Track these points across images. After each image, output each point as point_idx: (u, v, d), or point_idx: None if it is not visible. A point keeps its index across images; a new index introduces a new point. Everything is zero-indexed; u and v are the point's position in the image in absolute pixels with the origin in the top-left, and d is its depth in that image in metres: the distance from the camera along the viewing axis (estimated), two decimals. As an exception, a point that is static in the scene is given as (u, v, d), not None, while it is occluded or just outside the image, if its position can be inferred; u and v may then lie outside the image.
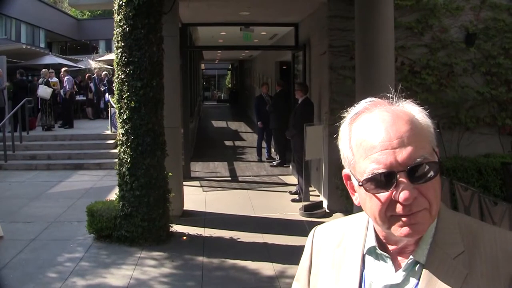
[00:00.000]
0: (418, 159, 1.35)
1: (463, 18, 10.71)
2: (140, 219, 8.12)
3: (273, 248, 8.07)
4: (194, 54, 20.79)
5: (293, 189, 11.59)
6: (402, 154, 1.35)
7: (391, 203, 1.37)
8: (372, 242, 1.52)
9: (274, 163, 15.26)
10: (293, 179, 12.92)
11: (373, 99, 1.50)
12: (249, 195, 11.59)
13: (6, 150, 15.50)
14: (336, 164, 9.42)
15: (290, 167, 14.23)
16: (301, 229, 8.39)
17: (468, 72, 10.74)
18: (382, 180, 1.36)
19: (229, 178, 13.74)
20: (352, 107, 1.52)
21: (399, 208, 1.36)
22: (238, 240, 8.55)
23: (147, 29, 8.03)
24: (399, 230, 1.37)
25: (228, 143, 21.51)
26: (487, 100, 10.77)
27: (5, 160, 15.42)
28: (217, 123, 30.17)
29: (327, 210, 10.07)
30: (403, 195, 1.33)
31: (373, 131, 1.39)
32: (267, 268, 7.22)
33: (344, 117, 1.52)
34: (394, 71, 8.48)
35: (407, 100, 1.50)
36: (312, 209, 9.91)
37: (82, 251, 8.03)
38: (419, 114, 1.46)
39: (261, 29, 14.67)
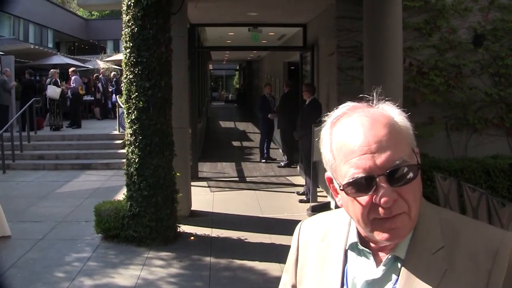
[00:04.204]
0: (397, 162, 1.36)
1: (471, 19, 10.68)
2: (148, 219, 8.14)
3: (280, 248, 8.03)
4: (202, 54, 20.81)
5: (301, 189, 11.59)
6: (381, 158, 1.36)
7: (372, 206, 1.38)
8: (353, 238, 1.54)
9: (282, 163, 15.26)
10: (300, 180, 12.92)
11: (352, 103, 1.51)
12: (256, 196, 11.59)
13: (14, 149, 15.52)
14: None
15: (298, 167, 14.22)
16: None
17: (476, 73, 10.71)
18: (362, 184, 1.37)
19: (237, 179, 13.75)
20: (332, 111, 1.53)
21: (380, 211, 1.37)
22: (246, 240, 8.56)
23: (156, 29, 8.04)
24: (380, 235, 1.40)
25: (235, 143, 21.55)
26: (495, 102, 10.74)
27: (13, 160, 15.46)
28: (224, 124, 30.21)
29: (334, 211, 10.04)
30: (383, 198, 1.35)
31: (352, 135, 1.40)
32: (275, 269, 7.20)
33: (324, 120, 1.53)
34: (402, 72, 8.49)
35: (386, 101, 1.51)
36: (320, 209, 9.86)
37: (89, 250, 8.05)
38: (398, 116, 1.47)
39: (269, 29, 14.68)
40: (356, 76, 9.99)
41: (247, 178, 13.74)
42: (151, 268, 7.35)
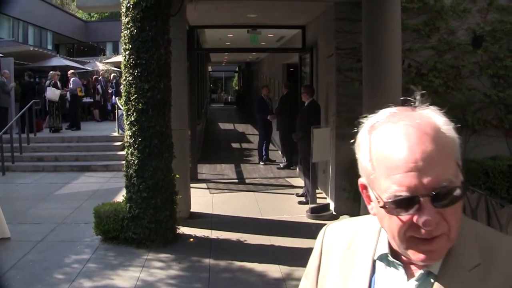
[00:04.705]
0: (444, 183, 1.27)
1: (470, 20, 10.68)
2: (147, 221, 8.13)
3: (280, 250, 8.06)
4: (201, 56, 20.81)
5: (300, 191, 11.57)
6: (428, 177, 1.26)
7: (411, 225, 1.30)
8: (384, 249, 1.46)
9: (281, 165, 15.26)
10: (300, 181, 12.91)
11: (394, 107, 1.43)
12: (256, 197, 11.60)
13: (13, 151, 15.52)
14: (343, 166, 9.47)
15: (297, 169, 14.21)
16: (308, 231, 8.40)
17: (475, 74, 10.71)
18: (404, 202, 1.28)
19: (236, 180, 13.74)
20: (371, 114, 1.44)
21: (419, 231, 1.29)
22: (245, 242, 8.56)
23: (155, 31, 8.04)
24: (416, 255, 1.32)
25: (235, 145, 21.52)
26: (494, 103, 10.74)
27: (13, 162, 15.46)
28: (224, 125, 30.18)
29: (334, 213, 10.05)
30: (425, 220, 1.27)
31: (397, 148, 1.30)
32: (274, 270, 7.22)
33: (361, 122, 1.45)
34: (401, 74, 8.49)
35: (430, 106, 1.43)
36: (319, 211, 9.89)
37: (89, 252, 8.05)
38: (445, 126, 1.39)
39: (268, 31, 14.67)
40: (355, 78, 9.99)
41: (246, 180, 13.72)
42: (150, 269, 7.35)
